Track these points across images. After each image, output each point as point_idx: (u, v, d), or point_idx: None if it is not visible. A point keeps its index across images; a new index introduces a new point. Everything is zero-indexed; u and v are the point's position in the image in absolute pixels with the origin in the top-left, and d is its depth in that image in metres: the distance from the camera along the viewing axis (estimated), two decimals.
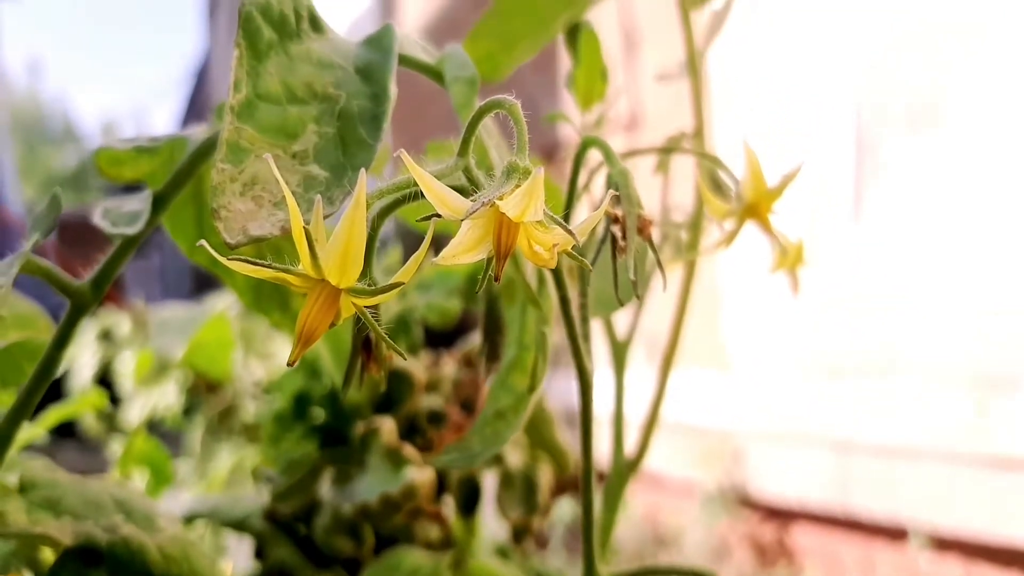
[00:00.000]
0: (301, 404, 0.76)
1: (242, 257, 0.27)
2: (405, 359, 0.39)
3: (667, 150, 0.53)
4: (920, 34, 2.00)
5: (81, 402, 0.90)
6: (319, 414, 0.76)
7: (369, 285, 0.29)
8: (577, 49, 0.55)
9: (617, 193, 0.38)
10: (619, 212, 0.37)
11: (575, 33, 0.54)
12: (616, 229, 0.37)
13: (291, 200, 0.27)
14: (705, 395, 2.70)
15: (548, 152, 3.19)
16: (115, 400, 1.55)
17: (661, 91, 2.88)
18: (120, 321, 1.67)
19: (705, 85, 0.57)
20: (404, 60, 0.44)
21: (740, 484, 2.58)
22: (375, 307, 0.31)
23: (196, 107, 10.56)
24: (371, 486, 0.59)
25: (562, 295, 0.40)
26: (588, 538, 0.46)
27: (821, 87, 2.28)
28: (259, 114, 0.34)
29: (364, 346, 0.37)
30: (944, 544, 1.92)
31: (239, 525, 0.64)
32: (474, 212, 0.27)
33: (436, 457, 0.43)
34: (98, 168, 0.45)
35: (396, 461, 0.60)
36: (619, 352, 0.59)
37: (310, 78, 0.37)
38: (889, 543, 2.10)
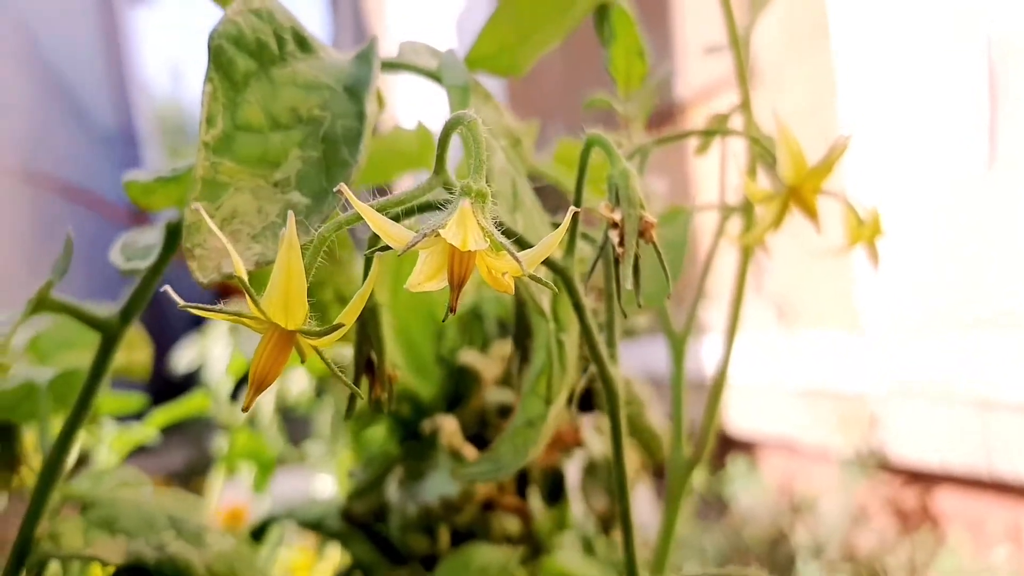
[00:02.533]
0: (379, 400, 0.77)
1: (194, 305, 0.27)
2: (395, 377, 0.38)
3: (708, 132, 0.50)
4: None
5: (188, 404, 0.94)
6: (399, 409, 0.77)
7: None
8: (608, 31, 0.53)
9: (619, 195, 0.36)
10: (617, 216, 0.35)
11: (603, 14, 0.52)
12: (614, 235, 0.35)
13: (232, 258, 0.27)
14: (838, 358, 2.59)
15: (662, 116, 3.11)
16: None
17: (778, 44, 2.76)
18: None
19: (748, 59, 0.53)
20: (404, 66, 0.43)
21: (878, 448, 2.47)
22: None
23: None
24: (434, 487, 0.60)
25: (575, 301, 0.39)
26: (629, 544, 0.44)
27: (949, 21, 2.13)
28: (238, 146, 0.34)
29: (367, 367, 0.37)
30: None
31: (316, 526, 0.66)
32: (416, 243, 0.26)
33: (462, 470, 0.43)
34: (133, 200, 0.46)
35: (460, 463, 0.60)
36: (677, 345, 0.56)
37: (295, 102, 0.36)
38: None
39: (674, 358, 0.57)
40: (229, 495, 1.41)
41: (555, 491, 0.81)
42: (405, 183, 0.76)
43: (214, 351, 1.75)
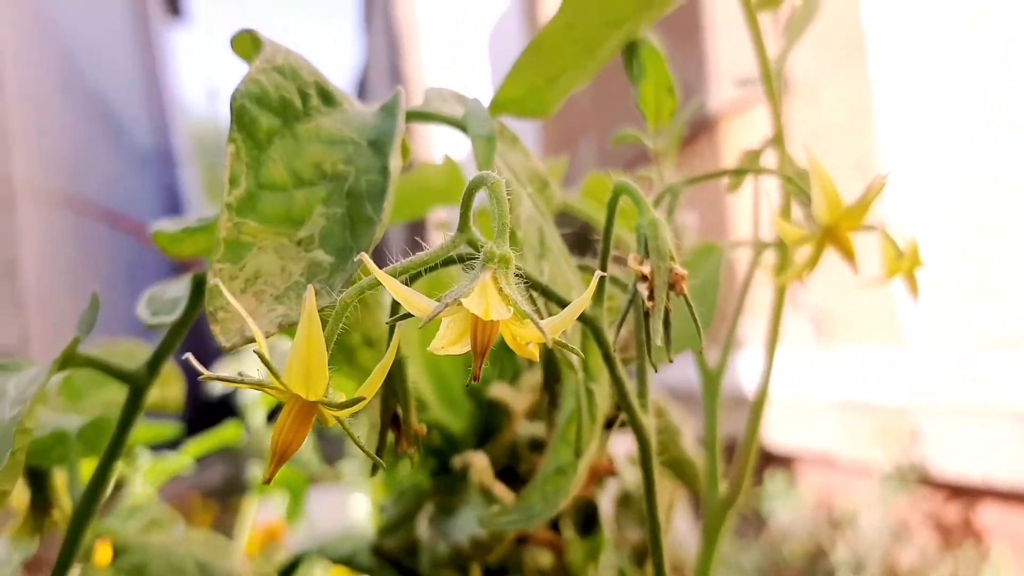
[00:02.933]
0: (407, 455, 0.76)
1: (217, 376, 0.27)
2: (422, 431, 0.37)
3: (740, 172, 0.49)
4: None
5: (220, 436, 0.94)
6: (430, 442, 0.77)
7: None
8: (637, 68, 0.52)
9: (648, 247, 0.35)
10: (647, 269, 0.34)
11: (632, 52, 0.51)
12: (644, 288, 0.34)
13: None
14: (879, 372, 2.55)
15: (693, 131, 3.09)
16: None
17: (814, 57, 2.74)
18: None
19: (781, 90, 0.52)
20: (430, 116, 0.42)
21: (919, 462, 2.43)
22: None
23: None
24: (465, 525, 0.59)
25: (604, 352, 0.38)
26: None
27: (991, 34, 2.10)
28: (262, 205, 0.34)
29: (393, 422, 0.37)
30: None
31: (347, 561, 0.65)
32: (438, 312, 0.26)
33: (491, 519, 0.42)
34: (161, 249, 0.46)
35: (490, 500, 0.59)
36: (711, 383, 0.55)
37: (319, 157, 0.36)
38: None
39: (707, 396, 0.56)
40: (266, 513, 1.42)
41: (588, 522, 0.80)
42: (439, 214, 0.76)
43: (249, 374, 1.75)
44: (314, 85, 0.37)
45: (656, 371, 0.36)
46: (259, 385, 0.27)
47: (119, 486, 0.99)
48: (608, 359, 0.38)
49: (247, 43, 0.37)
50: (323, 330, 0.29)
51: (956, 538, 2.41)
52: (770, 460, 3.03)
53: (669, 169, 0.55)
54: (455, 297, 0.26)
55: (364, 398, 0.26)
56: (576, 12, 0.45)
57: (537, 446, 0.70)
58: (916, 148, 2.37)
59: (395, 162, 0.35)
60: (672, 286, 0.34)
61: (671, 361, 0.34)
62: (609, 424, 0.46)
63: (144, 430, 0.87)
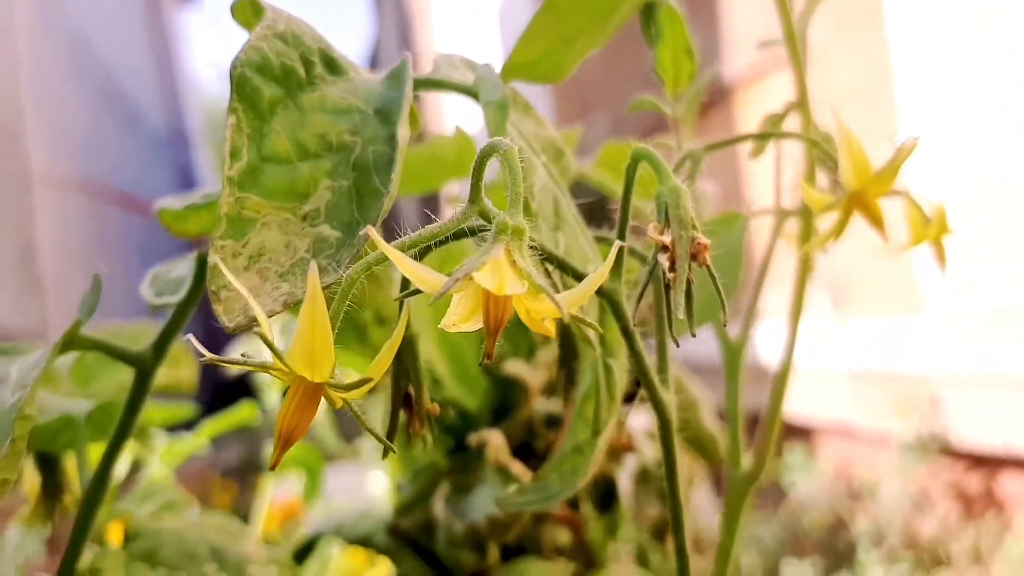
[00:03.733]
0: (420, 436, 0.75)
1: (220, 359, 0.25)
2: (435, 411, 0.36)
3: (763, 136, 0.47)
4: None
5: (235, 415, 0.94)
6: (445, 418, 0.76)
7: None
8: (655, 30, 0.50)
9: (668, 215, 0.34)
10: (667, 239, 0.33)
11: (649, 14, 0.49)
12: (664, 259, 0.32)
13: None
14: (897, 341, 2.53)
15: (710, 100, 3.05)
16: None
17: (830, 22, 2.69)
18: None
19: (805, 52, 0.50)
20: (440, 84, 0.41)
21: (939, 432, 2.41)
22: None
23: None
24: (482, 504, 0.58)
25: (623, 326, 0.37)
26: (683, 561, 0.42)
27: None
28: (265, 178, 0.32)
29: (405, 401, 0.35)
30: None
31: (364, 542, 0.64)
32: (449, 288, 0.24)
33: (508, 499, 0.41)
34: (167, 227, 0.45)
35: (506, 478, 0.58)
36: (732, 356, 0.54)
37: (324, 128, 0.34)
38: None
39: (728, 369, 0.54)
40: (284, 491, 1.42)
41: (607, 499, 0.79)
42: (451, 188, 0.75)
43: (264, 354, 1.75)
44: (318, 52, 0.36)
45: (678, 345, 0.34)
46: (264, 367, 0.26)
47: (136, 467, 0.98)
48: (627, 333, 0.37)
49: (247, 10, 0.35)
50: (329, 309, 0.28)
51: (978, 508, 2.40)
52: (789, 432, 3.01)
53: (688, 136, 0.53)
54: (466, 272, 0.24)
55: (372, 379, 0.25)
56: None
57: (554, 423, 0.68)
58: (936, 111, 2.32)
59: (403, 131, 0.33)
60: (695, 256, 0.33)
61: (694, 335, 0.33)
62: (629, 399, 0.45)
63: (159, 411, 0.87)
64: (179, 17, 11.46)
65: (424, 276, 0.25)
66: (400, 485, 0.74)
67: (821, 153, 0.44)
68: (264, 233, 0.32)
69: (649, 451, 0.81)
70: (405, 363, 0.35)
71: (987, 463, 2.34)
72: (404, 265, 0.25)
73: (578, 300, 0.25)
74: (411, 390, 0.35)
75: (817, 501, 2.62)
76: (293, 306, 0.30)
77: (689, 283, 0.33)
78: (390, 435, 0.35)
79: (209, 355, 0.26)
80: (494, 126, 0.37)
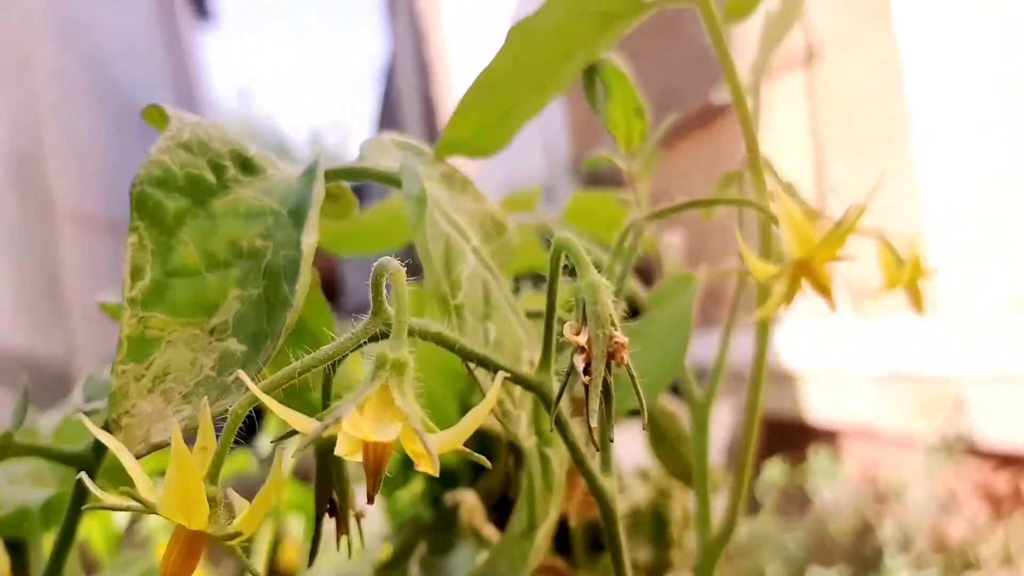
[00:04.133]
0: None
1: (106, 507, 0.25)
2: (361, 515, 0.35)
3: (709, 203, 0.46)
4: None
5: (231, 464, 0.94)
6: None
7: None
8: (600, 90, 0.50)
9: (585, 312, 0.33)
10: (583, 338, 0.32)
11: (592, 76, 0.49)
12: (580, 360, 0.32)
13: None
14: (920, 341, 2.49)
15: (714, 110, 3.02)
16: None
17: (839, 19, 2.66)
18: None
19: (759, 109, 0.49)
20: (362, 173, 0.40)
21: (965, 432, 2.37)
22: None
23: (388, 105, 10.98)
24: (456, 569, 0.57)
25: (555, 418, 0.36)
26: None
27: None
28: (171, 293, 0.32)
29: (330, 508, 0.35)
30: None
31: None
32: (319, 433, 0.24)
33: None
34: (112, 318, 0.44)
35: (479, 541, 0.58)
36: (700, 413, 0.53)
37: (236, 233, 0.34)
38: None
39: (696, 426, 0.53)
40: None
41: (598, 544, 0.78)
42: None
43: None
44: (230, 155, 0.35)
45: (612, 441, 0.33)
46: (147, 508, 0.25)
47: (135, 519, 0.98)
48: (559, 425, 0.36)
49: (156, 116, 0.35)
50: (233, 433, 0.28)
51: (1006, 508, 2.35)
52: (812, 434, 2.98)
53: (644, 195, 0.52)
54: (337, 415, 0.24)
55: (241, 533, 0.24)
56: (523, 45, 0.43)
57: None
58: (948, 108, 2.29)
59: (309, 237, 0.32)
60: (612, 355, 0.32)
61: (611, 440, 0.32)
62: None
63: (155, 458, 0.87)
64: (197, 36, 11.57)
65: (295, 419, 0.24)
66: (386, 537, 0.73)
67: (769, 218, 0.43)
68: (169, 352, 0.31)
69: (639, 492, 0.80)
70: (329, 466, 0.35)
71: (1014, 462, 2.30)
72: (275, 409, 0.24)
73: (453, 442, 0.24)
74: (336, 496, 0.35)
75: (843, 506, 2.59)
76: (194, 430, 0.30)
77: (607, 384, 0.32)
78: (314, 545, 0.35)
79: (90, 502, 0.25)
80: (413, 219, 0.36)
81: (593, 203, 0.60)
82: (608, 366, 0.32)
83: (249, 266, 0.33)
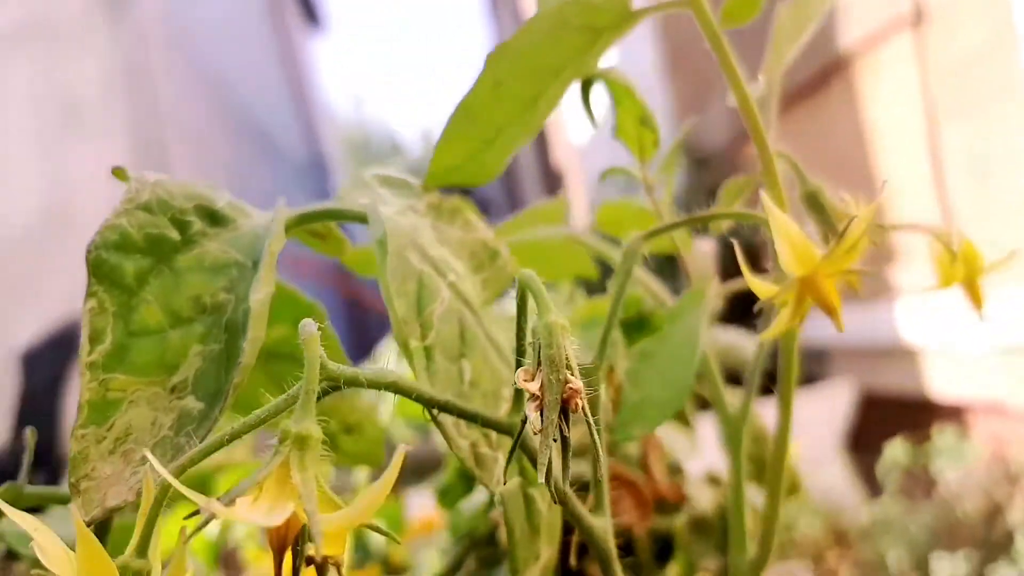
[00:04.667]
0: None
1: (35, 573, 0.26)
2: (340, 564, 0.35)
3: (715, 216, 0.44)
4: None
5: None
6: None
7: None
8: (596, 105, 0.48)
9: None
10: (534, 386, 0.31)
11: (587, 87, 0.47)
12: (532, 408, 0.30)
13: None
14: None
15: (826, 71, 2.90)
16: None
17: None
18: None
19: (770, 121, 0.46)
20: (333, 214, 0.40)
21: None
22: None
23: None
24: None
25: (530, 458, 0.35)
26: None
27: None
28: (133, 354, 0.33)
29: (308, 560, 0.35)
30: None
31: None
32: (219, 512, 0.23)
33: None
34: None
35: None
36: (734, 429, 0.50)
37: (200, 289, 0.34)
38: None
39: (730, 444, 0.51)
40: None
41: (664, 552, 0.76)
42: None
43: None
44: (194, 210, 0.36)
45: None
46: None
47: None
48: (536, 467, 0.35)
49: (122, 175, 0.36)
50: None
51: None
52: (937, 412, 2.84)
53: (667, 203, 0.50)
54: (233, 496, 0.24)
55: None
56: (503, 68, 0.42)
57: (584, 487, 0.66)
58: None
59: (258, 293, 0.32)
60: (567, 400, 0.31)
61: (565, 494, 0.31)
62: None
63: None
64: (309, 44, 11.89)
65: (197, 498, 0.24)
66: (445, 549, 0.74)
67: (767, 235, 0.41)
68: (131, 412, 0.32)
69: (705, 499, 0.78)
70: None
71: None
72: (181, 489, 0.24)
73: (352, 520, 0.24)
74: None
75: (971, 487, 2.46)
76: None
77: (564, 434, 0.30)
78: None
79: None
80: (380, 260, 0.36)
81: (621, 212, 0.59)
82: (565, 413, 0.31)
83: (212, 320, 0.34)
